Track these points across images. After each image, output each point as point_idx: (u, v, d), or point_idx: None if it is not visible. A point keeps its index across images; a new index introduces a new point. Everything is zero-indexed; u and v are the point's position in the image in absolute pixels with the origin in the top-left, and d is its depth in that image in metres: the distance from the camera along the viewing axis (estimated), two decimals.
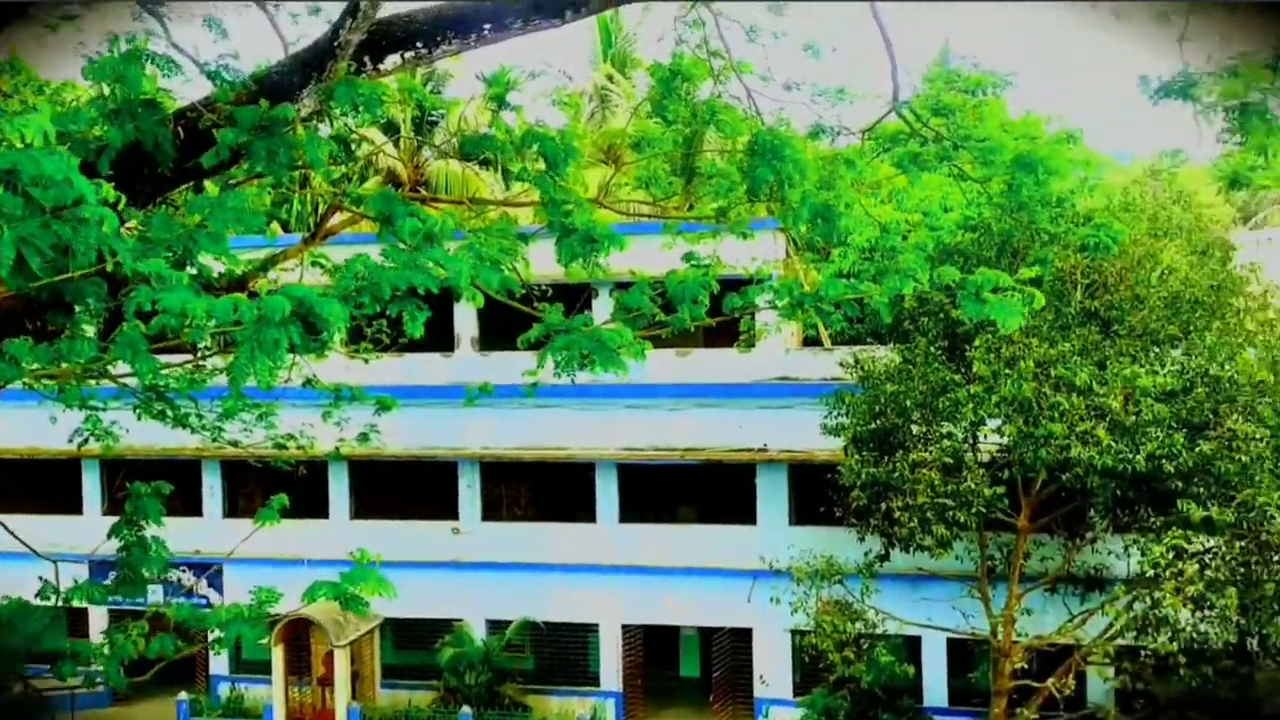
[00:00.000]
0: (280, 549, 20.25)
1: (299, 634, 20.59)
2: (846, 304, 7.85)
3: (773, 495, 20.63)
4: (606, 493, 21.29)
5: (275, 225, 28.64)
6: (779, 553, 19.34)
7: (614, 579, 21.13)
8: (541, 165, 8.21)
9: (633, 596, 21.15)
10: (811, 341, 22.99)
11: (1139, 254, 15.90)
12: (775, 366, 20.36)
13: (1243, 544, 14.08)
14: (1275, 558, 13.94)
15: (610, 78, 30.02)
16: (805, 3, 11.36)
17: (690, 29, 11.18)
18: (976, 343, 15.67)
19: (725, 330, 20.05)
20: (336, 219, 9.83)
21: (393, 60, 6.95)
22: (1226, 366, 14.42)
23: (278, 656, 20.45)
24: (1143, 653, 15.91)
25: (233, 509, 22.62)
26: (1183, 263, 15.78)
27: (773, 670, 20.68)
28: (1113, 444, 14.28)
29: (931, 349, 16.34)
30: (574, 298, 12.44)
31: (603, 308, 16.22)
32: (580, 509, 21.58)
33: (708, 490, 21.49)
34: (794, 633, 19.68)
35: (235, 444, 10.83)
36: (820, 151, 13.79)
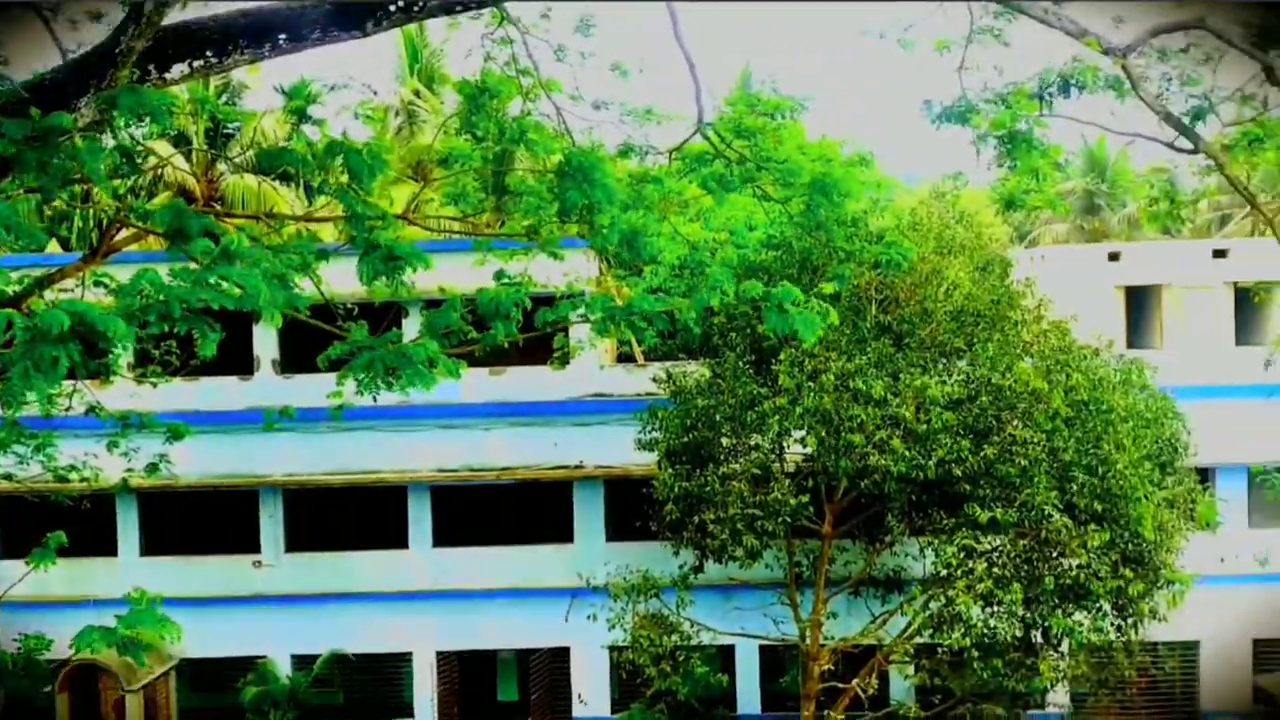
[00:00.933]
0: (68, 589, 18.81)
1: (86, 680, 19.16)
2: (658, 318, 7.97)
3: (589, 512, 20.69)
4: (419, 517, 20.83)
5: (54, 243, 26.73)
6: (596, 569, 19.41)
7: (428, 605, 20.68)
8: (345, 179, 7.96)
9: (447, 622, 20.74)
10: (625, 358, 23.26)
11: (927, 271, 16.83)
12: (590, 383, 20.45)
13: (1025, 542, 15.08)
14: (1054, 553, 14.99)
15: (417, 93, 29.55)
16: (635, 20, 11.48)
17: (498, 46, 11.13)
18: (781, 357, 16.21)
19: (540, 348, 20.01)
20: (121, 235, 9.24)
21: (180, 69, 6.59)
22: (1006, 375, 15.43)
23: (62, 706, 18.98)
24: (939, 649, 16.77)
25: (8, 550, 20.88)
26: (966, 279, 16.80)
27: (591, 688, 20.69)
28: (906, 451, 15.04)
29: (740, 363, 16.80)
30: (384, 317, 12.10)
31: (415, 327, 15.87)
32: (392, 535, 21.02)
33: (524, 510, 21.34)
34: (611, 649, 19.76)
35: (9, 477, 10.02)
36: (630, 170, 13.99)
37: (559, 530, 20.86)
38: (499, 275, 8.95)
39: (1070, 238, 41.04)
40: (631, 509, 19.78)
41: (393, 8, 6.93)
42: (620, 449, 19.38)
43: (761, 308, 7.40)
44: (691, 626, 17.63)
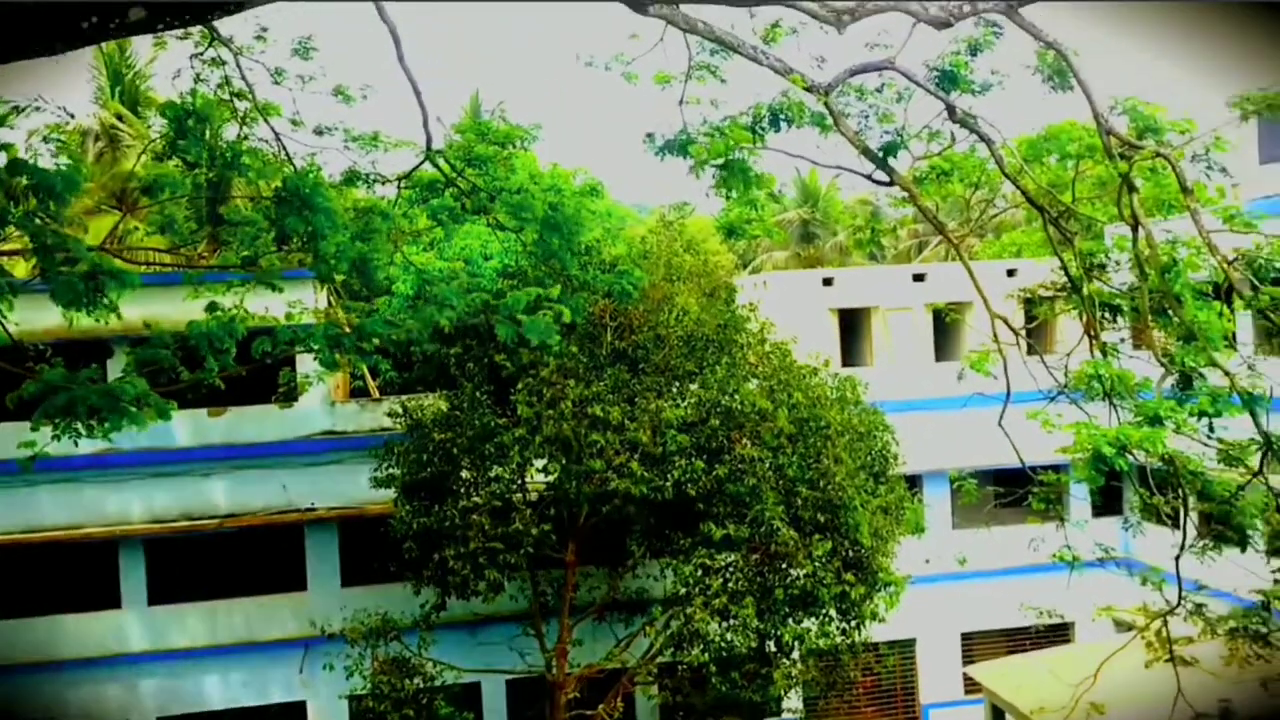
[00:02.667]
0: None
1: None
2: (389, 344, 7.71)
3: (323, 556, 19.76)
4: (132, 573, 19.16)
5: None
6: (332, 616, 18.53)
7: (145, 668, 19.04)
8: (34, 203, 7.22)
9: (167, 685, 19.17)
10: (359, 393, 22.46)
11: (658, 297, 17.32)
12: (320, 420, 19.59)
13: (756, 556, 15.73)
14: (783, 565, 15.72)
15: (120, 116, 27.45)
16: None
17: (209, 68, 10.50)
18: (519, 386, 16.16)
19: (266, 386, 18.97)
20: None
21: None
22: (734, 397, 16.09)
23: None
24: (680, 667, 17.15)
25: None
26: (695, 305, 17.42)
27: None
28: (645, 474, 15.36)
29: (478, 394, 16.60)
30: (84, 355, 11.04)
31: (120, 368, 14.65)
32: (102, 595, 19.22)
33: (252, 558, 20.07)
34: (350, 698, 18.88)
35: None
36: (358, 199, 13.54)
37: (291, 577, 19.78)
38: (211, 308, 8.39)
39: (789, 264, 43.57)
40: (369, 550, 19.06)
41: (85, 25, 6.36)
42: (355, 488, 18.67)
43: (494, 324, 7.31)
44: (435, 667, 17.15)
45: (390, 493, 17.28)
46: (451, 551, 15.95)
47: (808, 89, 8.67)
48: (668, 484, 15.39)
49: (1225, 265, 7.86)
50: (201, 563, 19.77)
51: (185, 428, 18.86)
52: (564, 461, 15.78)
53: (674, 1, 8.01)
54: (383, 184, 13.20)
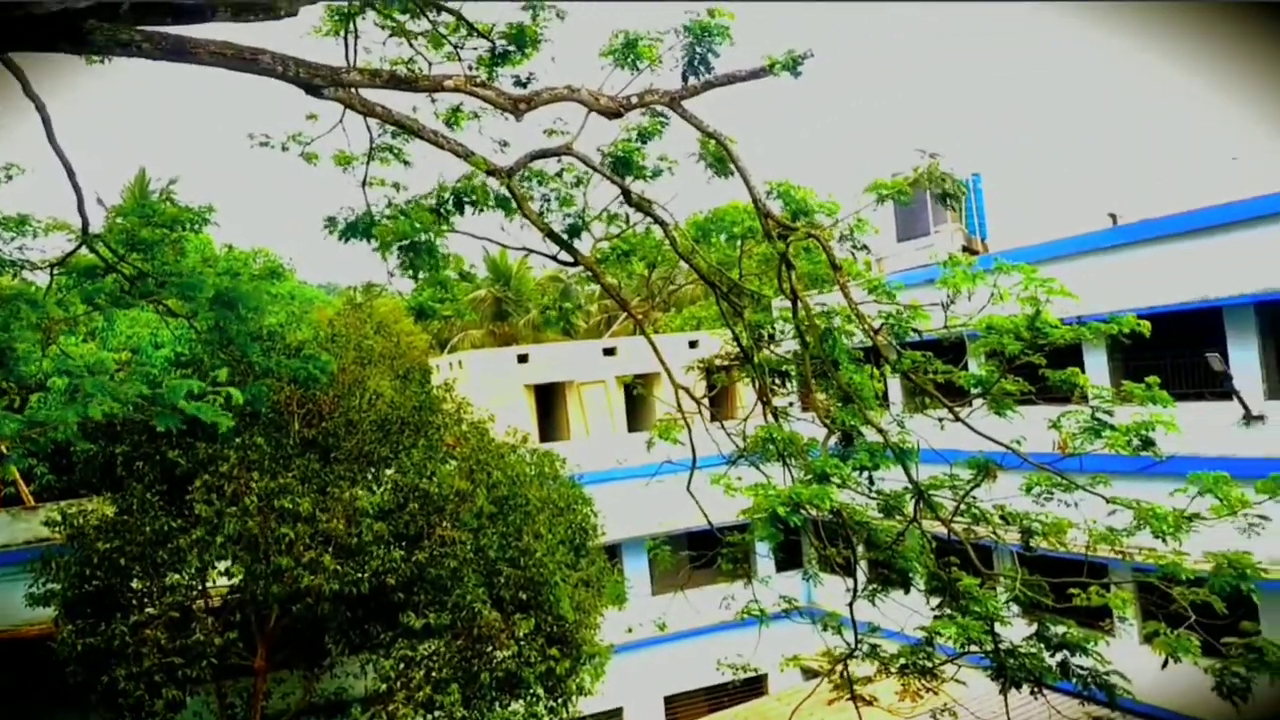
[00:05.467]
0: None
1: None
2: (41, 445, 6.97)
3: None
4: None
5: None
6: None
7: None
8: None
9: None
10: (11, 501, 20.05)
11: (349, 381, 16.79)
12: None
13: (460, 642, 15.38)
14: (487, 648, 15.46)
15: None
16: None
17: None
18: (196, 484, 15.06)
19: None
20: None
21: None
22: (432, 480, 15.80)
23: None
24: None
25: None
26: (388, 388, 17.03)
27: None
28: (339, 568, 14.67)
29: (149, 496, 15.29)
30: None
31: None
32: None
33: None
34: None
35: None
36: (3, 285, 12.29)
37: None
38: None
39: (485, 342, 43.69)
40: (28, 677, 16.92)
41: None
42: (8, 607, 16.57)
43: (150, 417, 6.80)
44: None
45: (50, 610, 15.48)
46: (123, 671, 14.45)
47: (490, 172, 8.83)
48: (365, 576, 14.78)
49: (872, 333, 8.70)
50: None
51: None
52: (249, 561, 14.78)
53: (349, 85, 7.93)
54: (32, 270, 12.06)
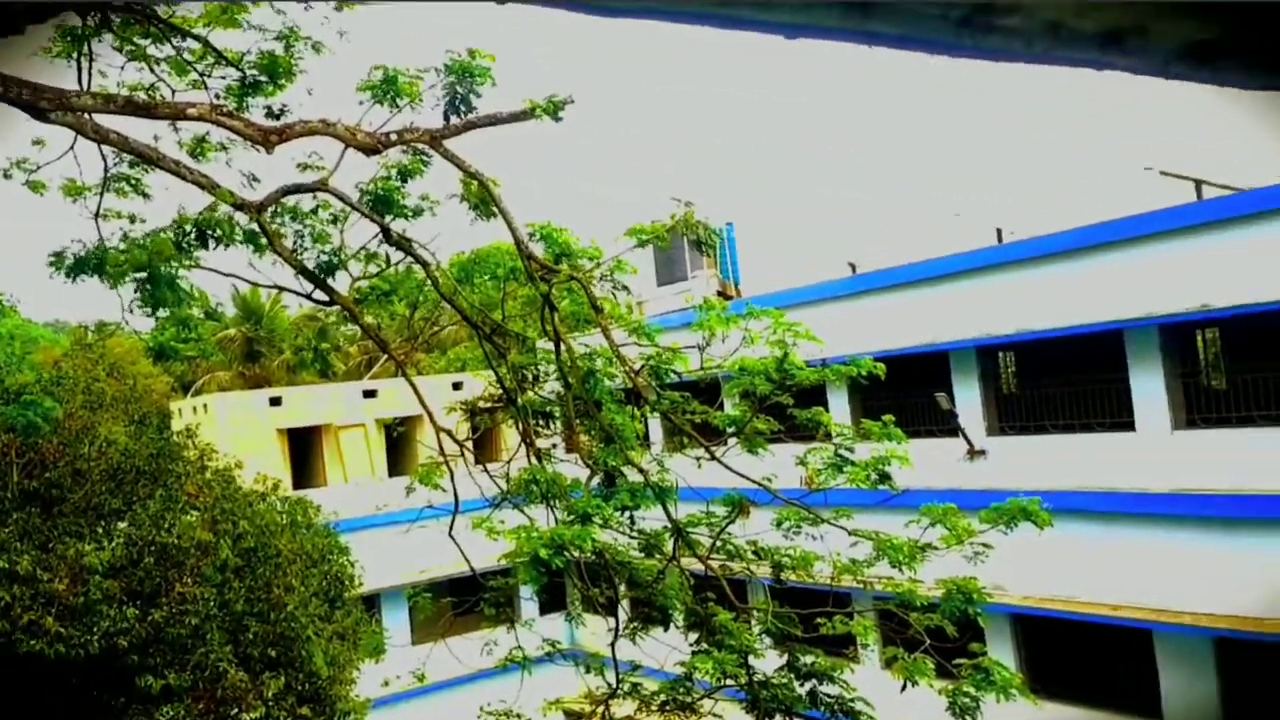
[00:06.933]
0: None
1: None
2: None
3: None
4: None
5: None
6: None
7: None
8: None
9: None
10: None
11: (76, 427, 15.47)
12: None
13: (202, 705, 14.34)
14: (233, 711, 14.49)
15: None
16: None
17: None
18: None
19: None
20: None
21: None
22: (170, 532, 14.73)
23: None
24: None
25: None
26: (121, 434, 15.80)
27: None
28: (63, 631, 13.39)
29: None
30: None
31: None
32: None
33: None
34: None
35: None
36: None
37: None
38: None
39: (234, 384, 41.47)
40: None
41: None
42: None
43: None
44: None
45: None
46: None
47: (238, 206, 8.41)
48: (93, 638, 13.54)
49: (633, 374, 8.87)
50: None
51: None
52: None
53: (79, 110, 7.37)
54: None
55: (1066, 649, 16.62)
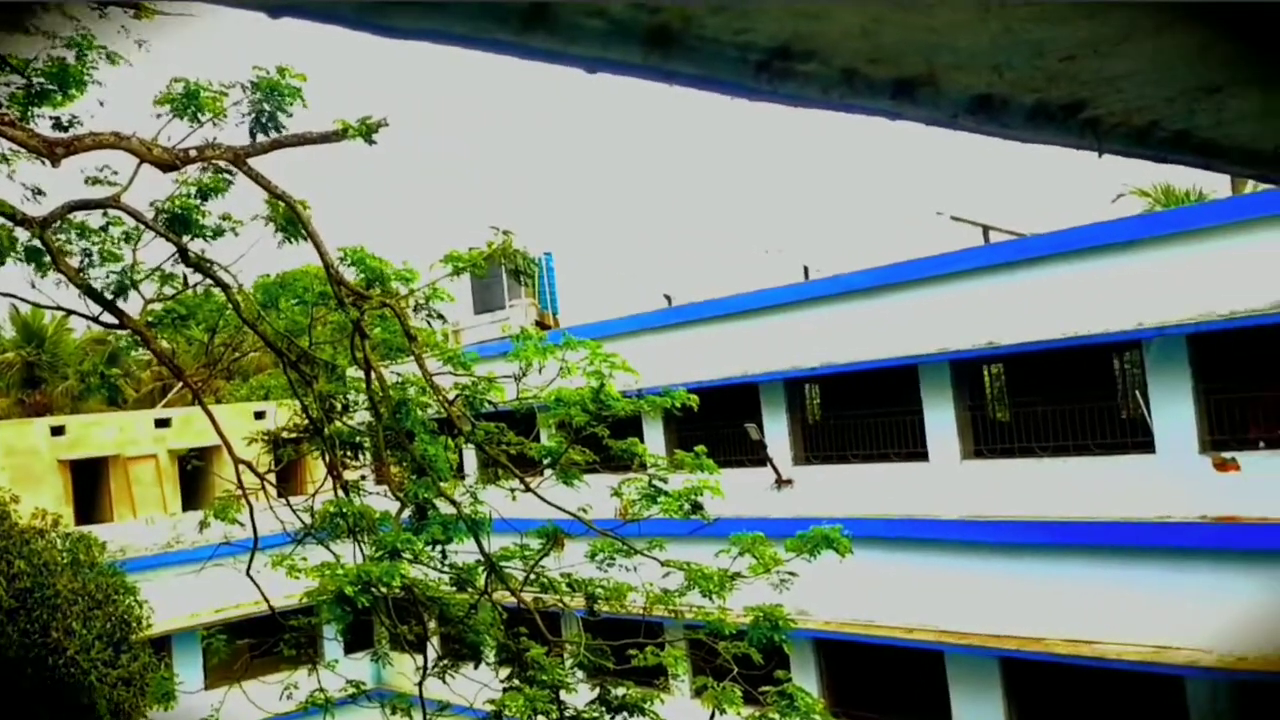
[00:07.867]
0: None
1: None
2: None
3: None
4: None
5: None
6: None
7: None
8: None
9: None
10: None
11: None
12: None
13: None
14: None
15: None
16: None
17: None
18: None
19: None
20: None
21: None
22: None
23: None
24: None
25: None
26: None
27: None
28: None
29: None
30: None
31: None
32: None
33: None
34: None
35: None
36: None
37: None
38: None
39: (11, 412, 38.46)
40: None
41: None
42: None
43: None
44: None
45: None
46: None
47: (19, 221, 7.81)
48: None
49: (446, 404, 8.71)
50: None
51: None
52: None
53: None
54: None
55: (866, 671, 17.27)
